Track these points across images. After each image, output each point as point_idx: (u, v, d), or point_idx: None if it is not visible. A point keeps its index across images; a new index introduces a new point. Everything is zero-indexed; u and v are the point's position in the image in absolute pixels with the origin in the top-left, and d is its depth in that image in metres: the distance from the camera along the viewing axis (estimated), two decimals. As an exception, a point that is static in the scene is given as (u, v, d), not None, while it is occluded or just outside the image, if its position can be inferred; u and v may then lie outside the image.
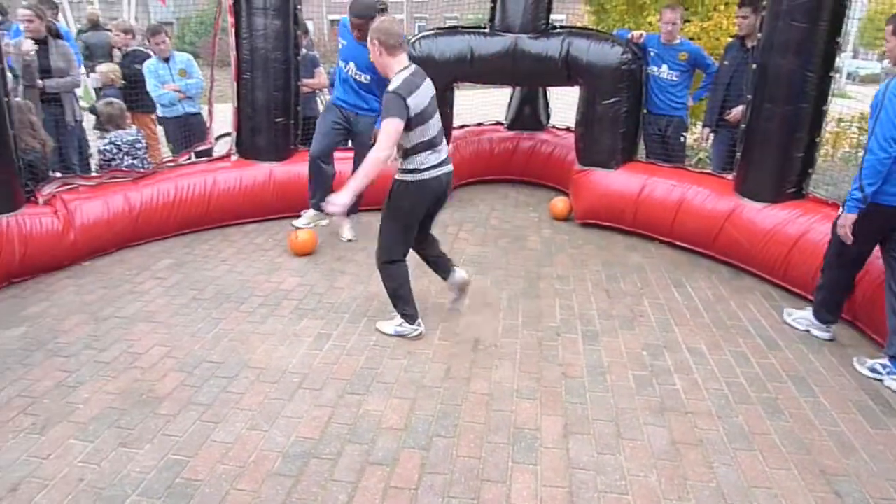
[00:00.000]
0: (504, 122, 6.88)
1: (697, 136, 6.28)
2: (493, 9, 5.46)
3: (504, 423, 2.76)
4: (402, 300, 3.46)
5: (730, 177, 4.69)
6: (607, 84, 5.11)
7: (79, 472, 2.39)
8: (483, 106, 7.34)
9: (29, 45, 5.04)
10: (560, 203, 5.68)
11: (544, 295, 4.08)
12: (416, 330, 3.48)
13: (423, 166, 3.22)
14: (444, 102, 5.60)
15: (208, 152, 5.69)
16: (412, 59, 5.29)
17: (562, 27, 5.47)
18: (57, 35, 5.48)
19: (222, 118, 5.84)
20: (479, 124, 6.91)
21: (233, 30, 5.05)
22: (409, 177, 3.23)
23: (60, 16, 7.31)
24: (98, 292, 3.94)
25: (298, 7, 5.24)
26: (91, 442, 2.56)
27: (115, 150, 4.86)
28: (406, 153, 3.22)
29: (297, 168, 5.29)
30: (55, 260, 4.14)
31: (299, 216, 5.01)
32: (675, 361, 3.31)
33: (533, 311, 3.85)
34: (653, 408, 2.90)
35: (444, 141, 3.37)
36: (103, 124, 5.09)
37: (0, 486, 2.29)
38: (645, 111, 5.33)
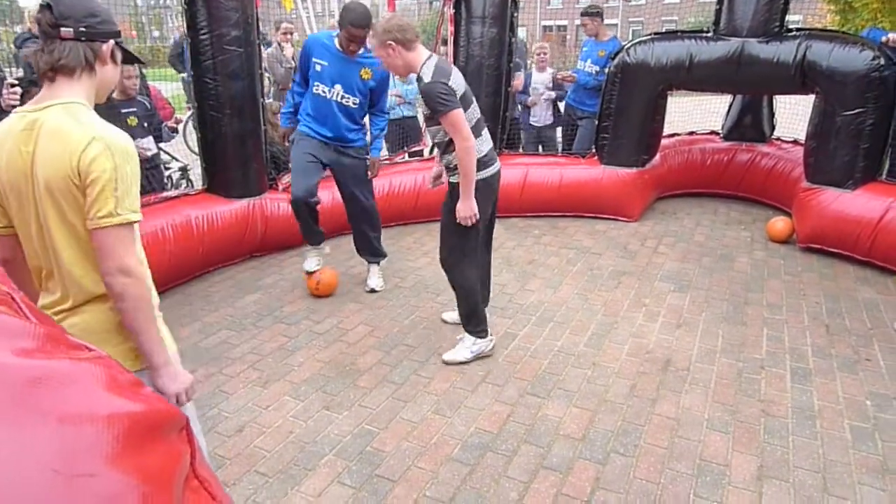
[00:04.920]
0: (720, 131, 6.40)
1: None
2: (717, 11, 5.10)
3: (689, 452, 2.60)
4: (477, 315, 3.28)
5: None
6: (851, 93, 4.50)
7: (290, 425, 2.75)
8: (697, 113, 6.90)
9: (291, 52, 5.99)
10: (780, 223, 5.13)
11: (750, 322, 3.74)
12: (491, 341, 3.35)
13: (486, 160, 3.05)
14: (657, 110, 5.40)
15: (420, 153, 6.11)
16: (626, 65, 5.21)
17: (798, 29, 4.94)
18: None
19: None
20: (692, 133, 6.51)
21: (452, 38, 5.35)
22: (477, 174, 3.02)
23: (307, 27, 8.39)
24: (318, 271, 4.46)
25: (515, 15, 5.39)
26: (301, 401, 2.93)
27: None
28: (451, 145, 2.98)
29: (499, 170, 5.48)
30: (287, 239, 4.76)
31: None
32: (909, 418, 2.84)
33: (735, 338, 3.55)
34: (871, 466, 2.51)
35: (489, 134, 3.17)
36: None
37: (230, 427, 2.73)
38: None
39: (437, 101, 2.83)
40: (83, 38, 1.49)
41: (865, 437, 2.69)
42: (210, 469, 1.14)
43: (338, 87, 3.74)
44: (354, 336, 3.55)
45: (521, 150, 6.25)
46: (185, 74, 6.45)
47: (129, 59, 1.67)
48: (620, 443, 2.65)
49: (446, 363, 3.25)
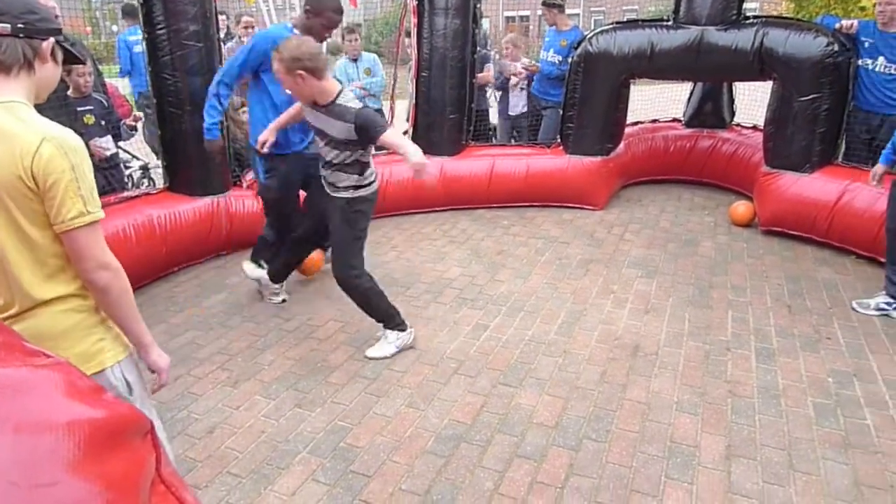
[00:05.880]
0: (682, 118, 6.51)
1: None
2: (677, 0, 5.18)
3: (660, 435, 2.64)
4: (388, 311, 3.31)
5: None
6: (806, 79, 4.62)
7: (261, 424, 2.71)
8: (659, 101, 7.00)
9: None
10: (741, 207, 5.25)
11: (715, 305, 3.82)
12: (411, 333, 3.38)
13: (374, 177, 3.19)
14: (620, 99, 5.46)
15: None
16: (588, 55, 5.25)
17: (755, 17, 5.04)
18: None
19: (402, 114, 6.19)
20: (655, 121, 6.60)
21: (415, 30, 5.32)
22: (368, 190, 3.15)
23: (268, 21, 8.25)
24: (286, 268, 4.40)
25: (478, 6, 5.38)
26: (273, 400, 2.89)
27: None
28: (363, 167, 3.07)
29: (466, 164, 5.49)
30: (254, 237, 4.67)
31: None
32: (867, 393, 2.93)
33: (701, 321, 3.63)
34: (834, 442, 2.60)
35: None
36: None
37: (200, 428, 2.68)
38: (851, 108, 4.74)
39: (377, 126, 2.86)
40: (21, 35, 1.44)
41: (828, 414, 2.78)
42: (177, 473, 1.11)
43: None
44: (325, 332, 3.52)
45: (492, 142, 6.24)
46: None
47: (70, 59, 1.61)
48: (592, 429, 2.68)
49: (370, 359, 3.24)
